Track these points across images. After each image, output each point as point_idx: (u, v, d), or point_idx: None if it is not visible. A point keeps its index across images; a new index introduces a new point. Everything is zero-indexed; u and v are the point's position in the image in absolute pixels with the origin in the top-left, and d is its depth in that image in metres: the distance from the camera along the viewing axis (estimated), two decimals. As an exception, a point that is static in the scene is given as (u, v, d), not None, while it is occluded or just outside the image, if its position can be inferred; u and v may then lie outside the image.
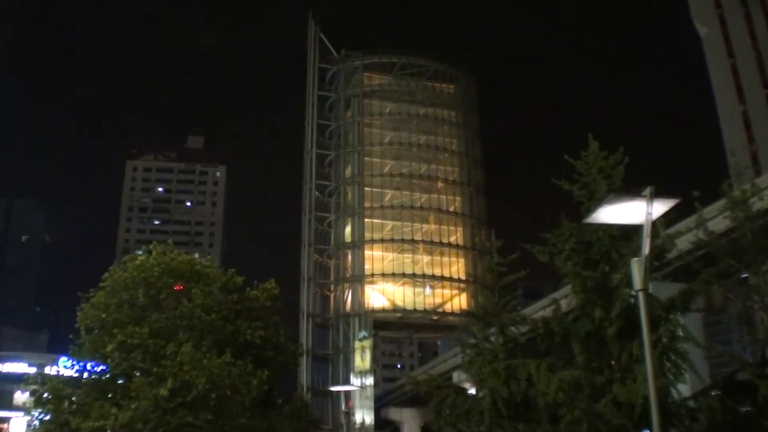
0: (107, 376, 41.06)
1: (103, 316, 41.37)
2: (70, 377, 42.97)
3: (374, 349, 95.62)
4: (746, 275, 25.00)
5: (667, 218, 18.29)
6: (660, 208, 13.63)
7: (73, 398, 40.47)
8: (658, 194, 13.44)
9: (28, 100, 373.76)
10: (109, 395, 39.66)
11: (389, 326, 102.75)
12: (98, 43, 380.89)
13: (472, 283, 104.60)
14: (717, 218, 26.71)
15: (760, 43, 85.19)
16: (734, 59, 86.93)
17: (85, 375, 41.81)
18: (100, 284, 43.08)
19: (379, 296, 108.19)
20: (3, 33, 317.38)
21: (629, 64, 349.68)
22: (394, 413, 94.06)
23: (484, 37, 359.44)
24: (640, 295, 13.70)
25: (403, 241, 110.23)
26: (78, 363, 42.54)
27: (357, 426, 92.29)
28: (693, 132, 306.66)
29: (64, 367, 46.63)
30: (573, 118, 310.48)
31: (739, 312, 24.81)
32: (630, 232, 19.93)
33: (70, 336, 43.82)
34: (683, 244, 24.96)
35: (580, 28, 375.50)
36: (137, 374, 38.93)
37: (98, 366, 41.37)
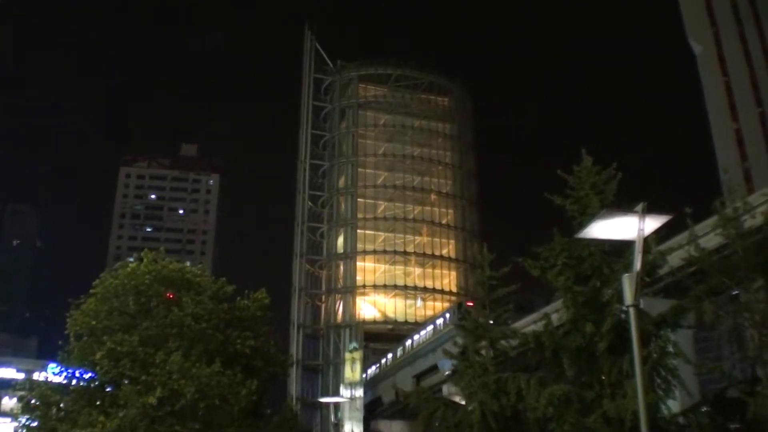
0: (96, 383, 40.83)
1: (93, 323, 41.12)
2: (59, 384, 42.66)
3: (364, 360, 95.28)
4: (737, 292, 25.04)
5: (659, 234, 18.31)
6: (652, 224, 13.64)
7: (61, 405, 40.20)
8: (650, 210, 13.45)
9: (21, 105, 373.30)
10: (97, 403, 39.39)
11: (380, 338, 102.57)
12: (94, 49, 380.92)
13: (464, 296, 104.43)
14: (709, 235, 26.75)
15: (754, 62, 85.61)
16: (728, 77, 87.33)
17: (74, 382, 41.55)
18: (91, 291, 42.84)
19: (370, 308, 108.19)
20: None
21: (623, 81, 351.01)
22: (384, 426, 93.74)
23: (480, 51, 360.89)
24: (631, 310, 13.71)
25: (395, 252, 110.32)
26: (66, 370, 42.27)
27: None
28: (686, 149, 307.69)
29: (52, 374, 46.27)
30: (567, 133, 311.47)
31: (729, 329, 24.80)
32: (622, 247, 19.96)
33: (59, 342, 43.60)
34: (675, 260, 24.99)
35: (575, 44, 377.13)
36: (126, 382, 38.69)
37: (87, 373, 41.12)
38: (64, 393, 40.90)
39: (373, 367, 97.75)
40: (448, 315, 72.92)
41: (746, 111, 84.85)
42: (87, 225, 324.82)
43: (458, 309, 55.42)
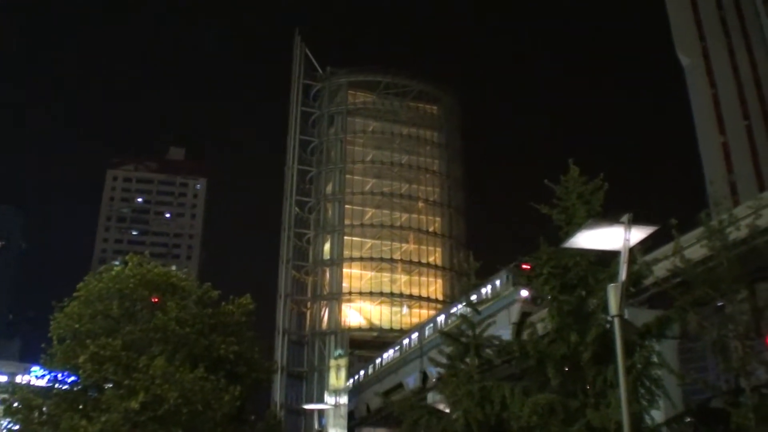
0: (78, 387, 40.69)
1: (76, 326, 41.01)
2: (41, 387, 42.58)
3: (350, 367, 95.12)
4: (722, 303, 25.08)
5: (645, 245, 18.33)
6: (638, 235, 13.63)
7: (44, 409, 40.09)
8: (636, 221, 13.46)
9: (8, 105, 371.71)
10: (80, 407, 39.29)
11: (365, 345, 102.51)
12: (83, 51, 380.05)
13: (450, 303, 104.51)
14: (694, 246, 26.81)
15: (741, 75, 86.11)
16: (716, 90, 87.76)
17: (56, 385, 41.41)
18: (75, 294, 42.70)
19: (355, 315, 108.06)
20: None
21: (613, 92, 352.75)
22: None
23: (470, 59, 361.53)
24: (616, 320, 13.68)
25: (381, 259, 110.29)
26: (49, 373, 42.16)
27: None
28: (673, 160, 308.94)
29: (35, 377, 46.12)
30: (555, 143, 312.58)
31: (714, 340, 24.84)
32: (607, 257, 19.95)
33: (42, 345, 43.40)
34: (660, 271, 24.98)
35: (564, 54, 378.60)
36: (109, 386, 38.55)
37: (70, 377, 40.98)
38: (46, 397, 40.76)
39: (359, 374, 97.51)
40: (498, 281, 61.73)
41: (733, 124, 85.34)
42: (73, 227, 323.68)
43: (513, 271, 50.63)
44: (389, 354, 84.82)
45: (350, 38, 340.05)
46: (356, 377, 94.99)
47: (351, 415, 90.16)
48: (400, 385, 73.90)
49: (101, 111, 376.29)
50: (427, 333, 72.21)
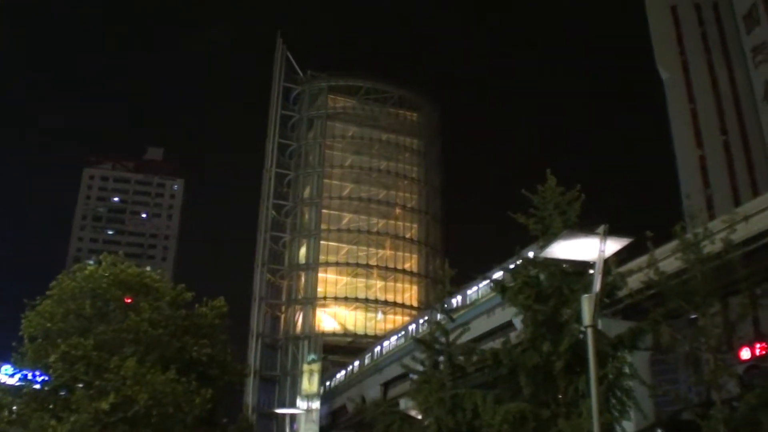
0: (49, 387, 40.34)
1: (48, 325, 40.67)
2: (11, 386, 42.16)
3: (323, 372, 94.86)
4: (694, 316, 25.23)
5: (620, 257, 18.39)
6: (613, 246, 13.65)
7: (14, 408, 39.70)
8: (611, 233, 13.48)
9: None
10: (50, 407, 38.98)
11: (339, 350, 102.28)
12: (64, 47, 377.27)
13: (424, 310, 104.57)
14: (668, 259, 26.96)
15: (720, 90, 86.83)
16: (694, 105, 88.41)
17: (27, 385, 41.05)
18: (47, 292, 42.34)
19: (330, 320, 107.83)
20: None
21: (593, 104, 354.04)
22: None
23: (452, 68, 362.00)
24: (589, 331, 13.68)
25: (357, 265, 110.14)
26: (20, 372, 41.78)
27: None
28: (651, 173, 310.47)
29: (5, 375, 45.65)
30: (534, 152, 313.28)
31: (686, 352, 25.00)
32: (582, 268, 20.02)
33: (14, 344, 42.98)
34: (634, 282, 25.15)
35: (549, 64, 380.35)
36: (79, 386, 38.24)
37: (41, 376, 40.64)
38: (16, 396, 40.38)
39: (333, 379, 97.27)
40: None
41: (711, 138, 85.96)
42: (47, 225, 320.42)
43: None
44: (391, 342, 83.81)
45: (333, 43, 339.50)
46: (350, 368, 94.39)
47: (343, 411, 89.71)
48: (405, 375, 73.53)
49: (79, 109, 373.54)
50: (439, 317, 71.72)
